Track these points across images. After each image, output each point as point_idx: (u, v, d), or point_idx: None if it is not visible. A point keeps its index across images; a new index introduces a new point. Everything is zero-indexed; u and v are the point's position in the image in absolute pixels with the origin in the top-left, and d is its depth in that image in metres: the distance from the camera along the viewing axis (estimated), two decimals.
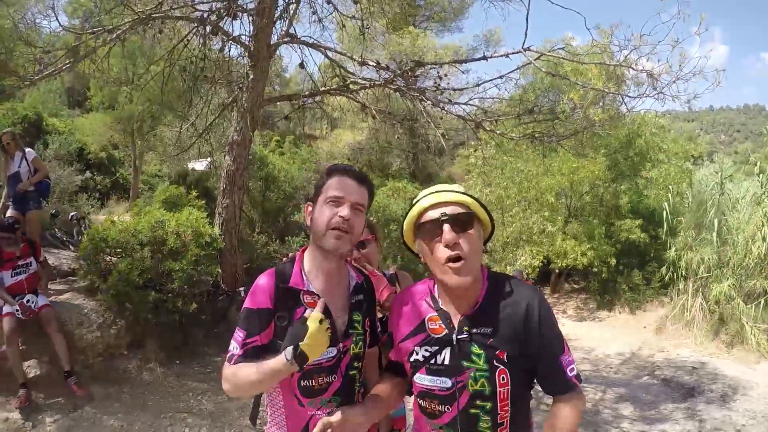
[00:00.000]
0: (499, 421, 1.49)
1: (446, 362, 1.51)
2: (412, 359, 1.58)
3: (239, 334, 1.69)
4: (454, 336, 1.51)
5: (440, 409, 1.53)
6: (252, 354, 1.67)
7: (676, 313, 9.89)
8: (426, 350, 1.55)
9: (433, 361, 1.53)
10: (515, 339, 1.49)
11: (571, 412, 1.52)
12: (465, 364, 1.49)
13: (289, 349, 1.46)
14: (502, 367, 1.48)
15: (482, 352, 1.48)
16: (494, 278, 1.60)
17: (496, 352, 1.48)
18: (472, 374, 1.48)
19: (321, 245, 1.71)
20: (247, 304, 1.71)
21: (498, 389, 1.47)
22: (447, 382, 1.51)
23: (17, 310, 4.88)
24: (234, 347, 1.69)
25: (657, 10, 5.25)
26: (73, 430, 4.33)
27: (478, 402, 1.48)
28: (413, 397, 1.66)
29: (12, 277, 5.19)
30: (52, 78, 7.03)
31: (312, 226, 1.75)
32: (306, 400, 1.72)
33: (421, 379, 1.56)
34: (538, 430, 1.72)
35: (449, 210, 1.49)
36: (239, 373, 1.60)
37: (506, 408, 1.49)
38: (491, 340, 1.49)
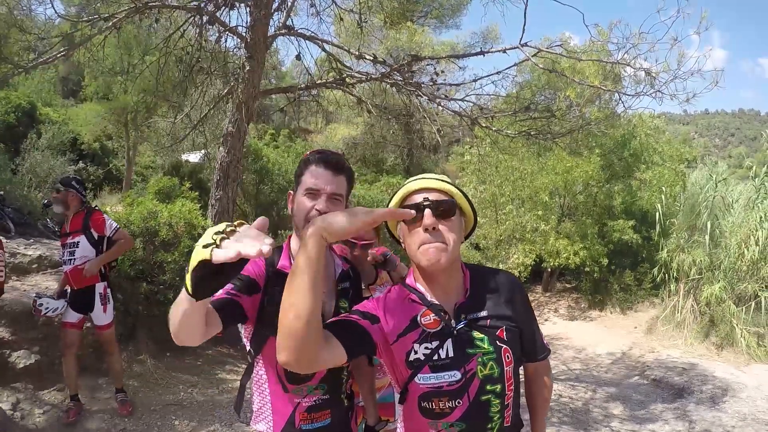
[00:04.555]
0: (506, 402, 1.49)
1: (450, 354, 1.47)
2: (411, 358, 1.49)
3: (227, 286, 1.62)
4: (453, 327, 1.49)
5: (450, 405, 1.46)
6: (229, 304, 1.60)
7: (667, 314, 9.93)
8: (426, 347, 1.49)
9: (436, 357, 1.47)
10: (506, 317, 1.55)
11: (546, 370, 1.77)
12: (470, 351, 1.47)
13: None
14: (505, 345, 1.50)
15: (484, 335, 1.49)
16: (472, 268, 1.64)
17: (497, 332, 1.51)
18: (480, 359, 1.46)
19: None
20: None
21: (505, 368, 1.48)
22: (456, 375, 1.46)
23: (61, 307, 4.16)
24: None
25: (656, 8, 5.24)
26: (62, 422, 4.29)
27: (488, 387, 1.46)
28: (403, 404, 1.56)
29: (64, 264, 4.28)
30: (46, 66, 6.95)
31: (293, 215, 1.74)
32: (291, 386, 1.72)
33: (426, 379, 1.47)
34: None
35: (432, 196, 1.49)
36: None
37: (511, 387, 1.51)
38: (489, 321, 1.52)
